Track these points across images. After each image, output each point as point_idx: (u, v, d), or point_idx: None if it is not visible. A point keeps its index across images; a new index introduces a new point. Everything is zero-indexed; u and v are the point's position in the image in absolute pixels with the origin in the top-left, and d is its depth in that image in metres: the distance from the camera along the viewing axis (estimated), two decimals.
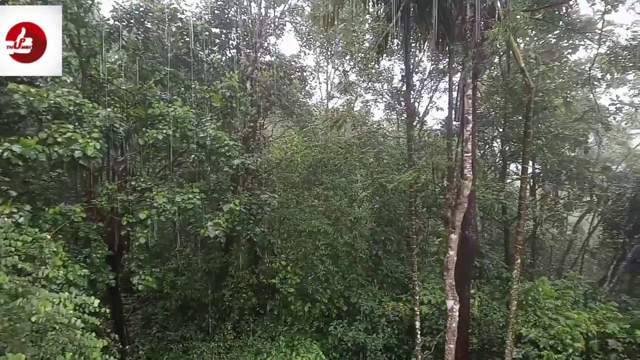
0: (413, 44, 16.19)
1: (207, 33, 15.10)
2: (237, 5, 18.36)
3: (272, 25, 19.54)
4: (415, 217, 15.77)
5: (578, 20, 16.43)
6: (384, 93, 22.22)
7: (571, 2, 15.36)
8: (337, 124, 14.92)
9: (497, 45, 14.35)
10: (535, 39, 18.40)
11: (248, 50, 18.41)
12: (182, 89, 14.44)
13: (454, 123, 15.43)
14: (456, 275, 12.68)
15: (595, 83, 18.39)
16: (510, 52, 15.31)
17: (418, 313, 14.73)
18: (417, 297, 14.93)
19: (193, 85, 14.19)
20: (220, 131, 12.60)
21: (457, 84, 14.29)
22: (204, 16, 17.98)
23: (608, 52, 16.39)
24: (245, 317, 16.37)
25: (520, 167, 17.42)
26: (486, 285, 17.46)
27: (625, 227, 20.15)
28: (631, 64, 16.39)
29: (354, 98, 19.94)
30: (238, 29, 18.42)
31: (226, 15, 18.25)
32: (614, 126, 22.23)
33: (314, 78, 23.03)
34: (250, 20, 18.73)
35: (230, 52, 18.99)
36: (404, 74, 17.49)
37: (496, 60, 18.96)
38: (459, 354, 13.00)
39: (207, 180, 13.65)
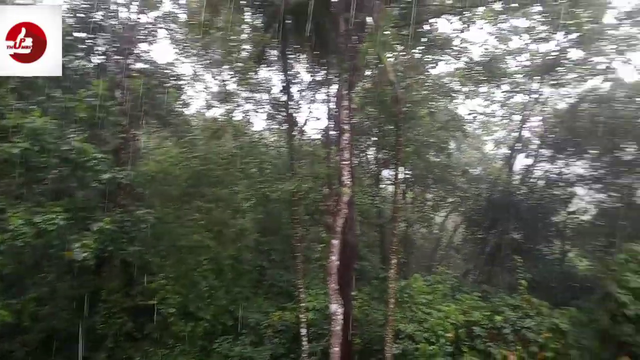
0: (291, 55, 16.50)
1: (69, 37, 13.85)
2: (104, 9, 17.12)
3: (145, 31, 18.54)
4: (298, 225, 16.00)
5: (439, 37, 18.06)
6: (264, 103, 22.26)
7: (432, 21, 16.85)
8: (216, 134, 14.62)
9: (369, 58, 15.29)
10: (403, 53, 19.84)
11: (117, 57, 17.24)
12: (42, 97, 13.03)
13: (332, 132, 16.00)
14: (339, 279, 13.09)
15: (454, 95, 20.34)
16: (381, 65, 16.32)
17: (304, 320, 14.92)
18: (303, 304, 15.12)
19: (54, 94, 12.88)
20: (86, 143, 11.60)
21: (334, 95, 14.86)
22: (67, 19, 16.46)
23: (464, 67, 18.25)
24: (121, 344, 15.18)
25: (393, 172, 18.71)
26: (366, 287, 18.28)
27: (483, 224, 22.56)
28: (484, 78, 18.41)
29: (233, 108, 19.72)
30: (106, 34, 17.17)
31: (92, 19, 16.91)
32: (470, 134, 24.84)
33: (191, 87, 22.28)
34: (120, 26, 17.58)
35: (97, 59, 17.61)
36: (283, 84, 17.74)
37: (369, 72, 20.05)
38: (344, 355, 13.40)
39: (72, 198, 12.46)
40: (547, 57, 17.43)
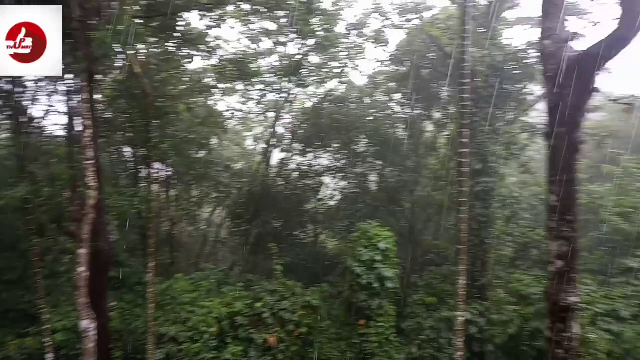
0: None
1: None
2: None
3: None
4: (37, 236, 13.90)
5: (191, 32, 17.81)
6: None
7: (184, 15, 16.50)
8: None
9: (116, 48, 14.15)
10: (156, 46, 18.96)
11: None
12: None
13: (77, 129, 14.32)
14: (90, 292, 11.84)
15: (213, 91, 20.48)
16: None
17: (50, 343, 13.10)
18: (48, 326, 13.25)
19: None
20: None
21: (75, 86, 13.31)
22: None
23: (218, 64, 18.46)
24: None
25: (152, 170, 17.84)
26: (128, 294, 17.08)
27: (246, 216, 23.49)
28: (238, 76, 18.94)
29: None
30: None
31: None
32: (231, 129, 25.52)
33: None
34: None
35: None
36: None
37: (121, 63, 18.57)
38: None
39: None
40: (292, 60, 19.01)
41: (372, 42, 19.16)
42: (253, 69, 18.79)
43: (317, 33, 16.73)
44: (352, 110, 21.19)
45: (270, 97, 22.15)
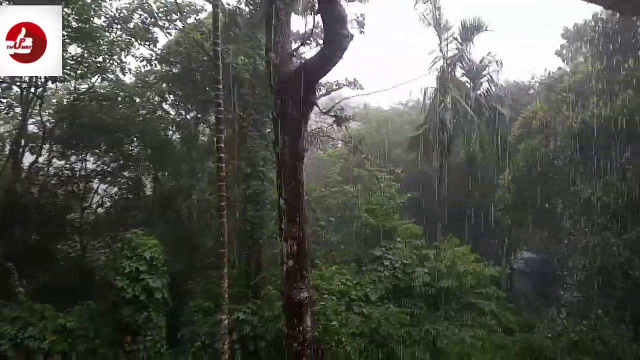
0: None
1: None
2: None
3: None
4: None
5: None
6: None
7: None
8: None
9: None
10: None
11: None
12: None
13: None
14: None
15: None
16: None
17: None
18: None
19: None
20: None
21: None
22: None
23: None
24: None
25: None
26: None
27: None
28: None
29: None
30: None
31: None
32: None
33: None
34: None
35: None
36: None
37: None
38: None
39: None
40: None
41: (138, 40, 17.94)
42: None
43: (71, 23, 14.98)
44: (119, 110, 19.55)
45: (17, 90, 18.86)
